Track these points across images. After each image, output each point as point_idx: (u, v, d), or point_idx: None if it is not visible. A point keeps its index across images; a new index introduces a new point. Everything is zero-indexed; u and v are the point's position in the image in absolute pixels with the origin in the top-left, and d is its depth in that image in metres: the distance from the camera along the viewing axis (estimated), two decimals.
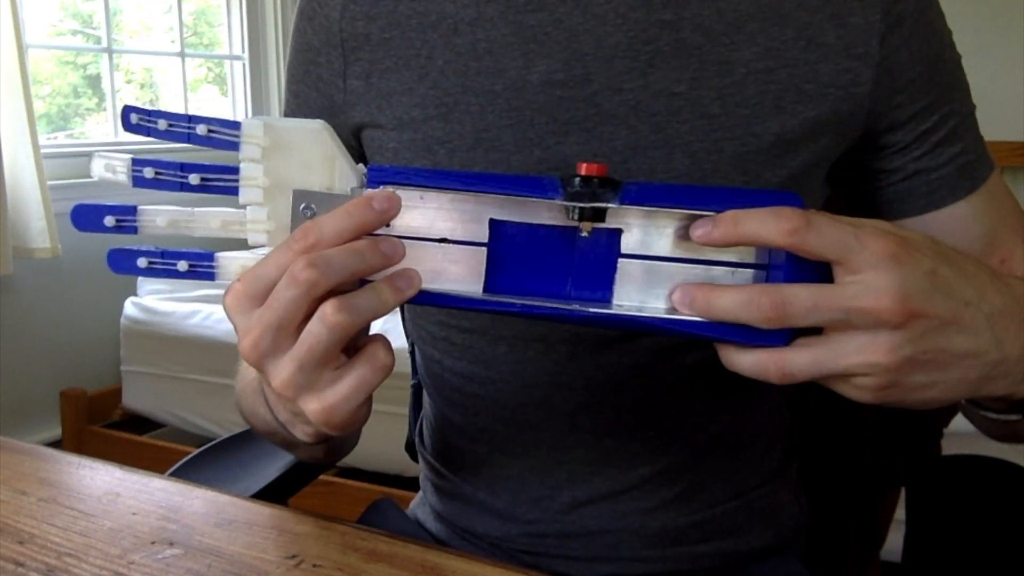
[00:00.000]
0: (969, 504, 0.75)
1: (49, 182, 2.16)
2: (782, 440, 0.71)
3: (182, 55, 2.79)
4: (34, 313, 2.27)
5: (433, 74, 0.59)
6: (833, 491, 0.88)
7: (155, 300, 2.28)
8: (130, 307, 2.29)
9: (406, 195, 0.43)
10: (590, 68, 0.57)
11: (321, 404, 0.43)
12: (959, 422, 0.97)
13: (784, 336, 0.40)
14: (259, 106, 3.04)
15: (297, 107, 0.66)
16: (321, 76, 0.63)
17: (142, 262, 0.44)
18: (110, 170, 0.43)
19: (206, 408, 2.17)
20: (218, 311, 2.14)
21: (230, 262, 0.44)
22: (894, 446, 0.90)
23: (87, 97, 2.64)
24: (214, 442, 0.86)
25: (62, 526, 0.53)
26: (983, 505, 0.75)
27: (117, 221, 0.44)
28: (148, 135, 0.43)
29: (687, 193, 0.42)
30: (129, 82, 2.81)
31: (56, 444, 2.18)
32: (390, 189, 0.42)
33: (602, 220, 0.42)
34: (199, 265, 0.44)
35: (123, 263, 0.44)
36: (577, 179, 0.42)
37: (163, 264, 0.44)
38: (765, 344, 0.40)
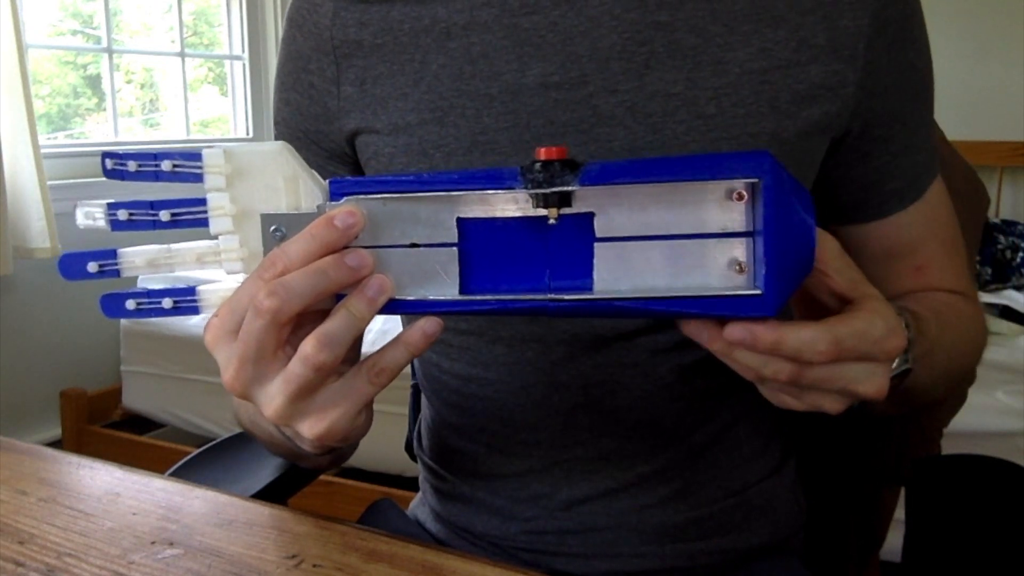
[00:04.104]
0: (969, 504, 0.75)
1: (49, 182, 2.16)
2: (780, 437, 0.71)
3: (182, 55, 2.79)
4: (34, 313, 2.27)
5: (427, 79, 0.59)
6: (832, 490, 0.87)
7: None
8: None
9: (370, 205, 0.42)
10: (586, 70, 0.57)
11: (315, 425, 0.43)
12: (959, 422, 0.97)
13: (772, 307, 0.39)
14: (259, 106, 3.04)
15: (289, 114, 0.66)
16: (313, 83, 0.63)
17: (130, 304, 0.44)
18: (90, 217, 0.44)
19: (206, 408, 2.17)
20: None
21: (211, 294, 0.44)
22: (892, 445, 0.90)
23: (87, 97, 2.64)
24: (214, 442, 0.86)
25: (62, 526, 0.53)
26: (983, 505, 0.75)
27: (100, 266, 0.44)
28: (123, 179, 0.43)
29: (649, 166, 0.40)
30: (129, 82, 2.81)
31: (56, 444, 2.18)
32: (351, 204, 0.42)
33: (569, 205, 0.41)
34: (182, 300, 0.44)
35: (114, 308, 0.45)
36: (536, 165, 0.40)
37: (150, 303, 0.44)
38: (752, 315, 0.40)
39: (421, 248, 0.43)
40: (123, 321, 2.28)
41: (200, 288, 0.44)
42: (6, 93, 2.08)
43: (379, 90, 0.61)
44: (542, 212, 0.41)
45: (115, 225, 0.44)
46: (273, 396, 0.42)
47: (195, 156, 0.43)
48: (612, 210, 0.42)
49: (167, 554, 0.50)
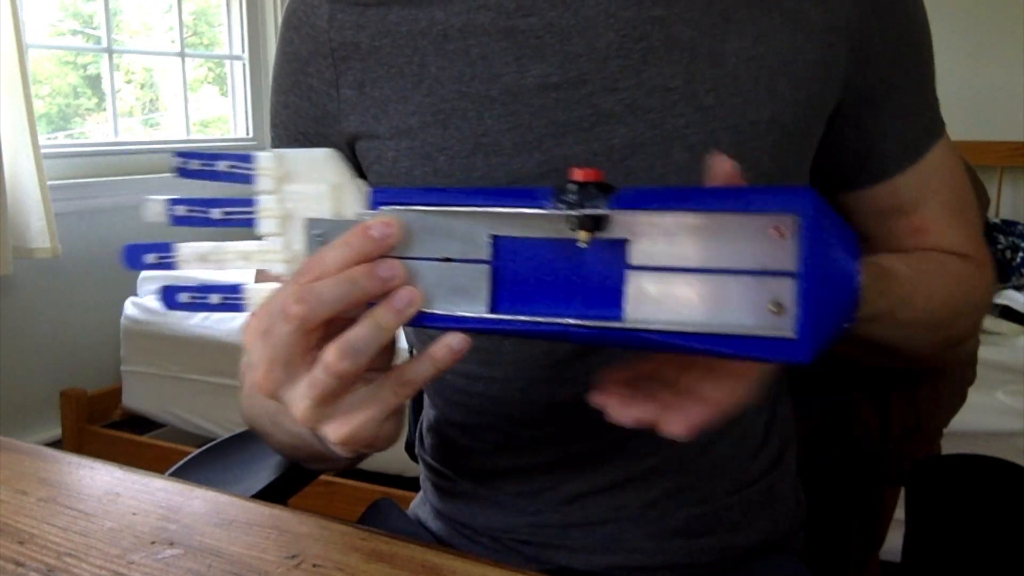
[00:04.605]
0: (968, 504, 0.75)
1: (49, 182, 2.16)
2: (776, 427, 0.71)
3: (182, 55, 2.79)
4: (34, 313, 2.27)
5: (427, 81, 0.59)
6: (832, 490, 0.88)
7: (155, 300, 2.28)
8: (130, 307, 2.29)
9: (408, 216, 0.43)
10: (584, 69, 0.57)
11: (339, 429, 0.44)
12: (959, 422, 0.97)
13: (806, 352, 0.37)
14: (259, 106, 3.04)
15: (288, 117, 0.66)
16: (312, 86, 0.63)
17: (183, 297, 0.46)
18: (155, 212, 0.46)
19: (206, 408, 2.17)
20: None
21: (255, 293, 0.45)
22: (892, 445, 0.90)
23: (87, 97, 2.64)
24: (214, 442, 0.86)
25: (62, 526, 0.53)
26: (982, 505, 0.75)
27: (157, 258, 0.46)
28: (188, 177, 0.45)
29: (684, 194, 0.39)
30: (129, 82, 2.81)
31: (56, 444, 2.18)
32: (390, 214, 0.42)
33: (601, 229, 0.40)
34: (229, 297, 0.46)
35: (170, 300, 0.46)
36: (571, 186, 0.40)
37: (200, 297, 0.46)
38: (786, 359, 0.38)
39: (454, 263, 0.43)
40: (123, 321, 2.29)
41: (246, 287, 0.46)
42: (6, 93, 2.08)
43: (378, 93, 0.61)
44: (575, 235, 0.41)
45: (174, 220, 0.45)
46: (299, 399, 0.43)
47: (248, 158, 0.44)
48: (647, 239, 0.40)
49: (167, 554, 0.50)
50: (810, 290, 0.37)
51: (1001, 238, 2.21)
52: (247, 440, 0.85)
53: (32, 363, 2.27)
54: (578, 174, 0.40)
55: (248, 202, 0.45)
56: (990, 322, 1.74)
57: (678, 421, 0.40)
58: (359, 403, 0.43)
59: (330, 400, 0.42)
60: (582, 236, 0.40)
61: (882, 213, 0.65)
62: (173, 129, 2.85)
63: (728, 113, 0.57)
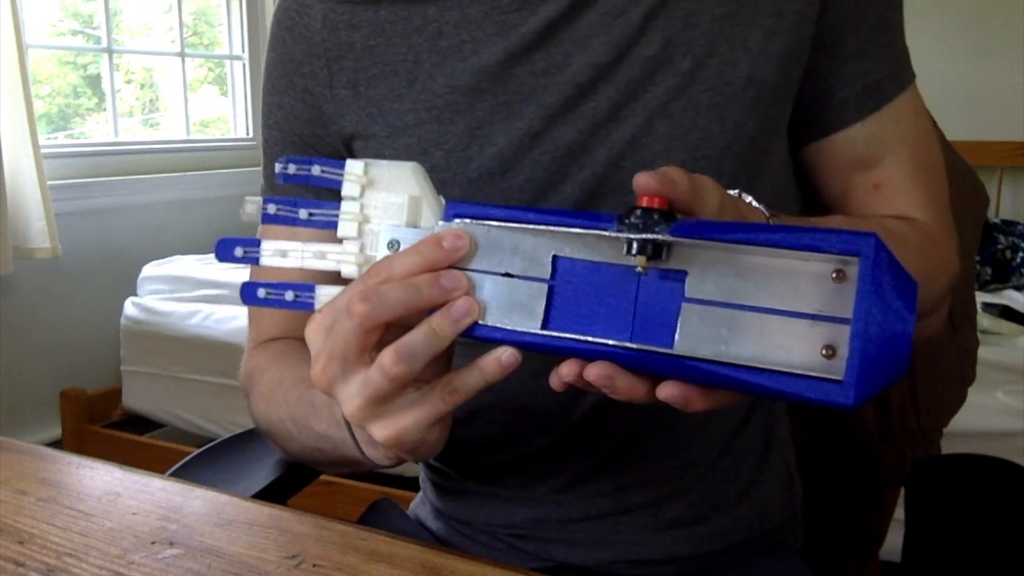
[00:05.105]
0: (968, 504, 0.75)
1: (49, 182, 2.17)
2: (767, 405, 0.71)
3: (182, 55, 2.79)
4: (34, 313, 2.27)
5: (421, 78, 0.60)
6: (832, 489, 0.88)
7: (155, 300, 2.28)
8: (130, 307, 2.29)
9: (478, 230, 0.44)
10: (569, 52, 0.59)
11: (385, 429, 0.44)
12: (959, 422, 0.97)
13: (852, 396, 0.37)
14: (259, 106, 3.03)
15: (283, 118, 0.66)
16: (307, 87, 0.64)
17: (261, 292, 0.48)
18: (251, 211, 0.48)
19: (206, 408, 2.17)
20: (218, 311, 2.14)
21: (326, 295, 0.47)
22: (892, 445, 0.90)
23: (87, 97, 2.64)
24: (214, 442, 0.86)
25: (62, 526, 0.53)
26: (982, 505, 0.75)
27: (244, 252, 0.48)
28: (281, 179, 0.48)
29: (743, 228, 0.39)
30: (129, 82, 2.82)
31: (56, 444, 2.18)
32: (461, 227, 0.44)
33: (660, 257, 0.41)
34: (302, 295, 0.48)
35: (249, 295, 0.49)
36: (636, 211, 0.41)
37: (276, 294, 0.48)
38: (831, 401, 0.37)
39: (514, 279, 0.44)
40: (123, 321, 2.29)
41: (318, 287, 0.47)
42: (6, 93, 2.08)
43: (373, 92, 0.61)
44: (634, 261, 0.41)
45: (265, 218, 0.48)
46: (352, 396, 0.44)
47: (340, 164, 0.47)
48: (706, 272, 0.41)
49: (167, 554, 0.50)
50: (864, 335, 0.37)
51: (1001, 238, 2.21)
52: (247, 440, 0.85)
53: (32, 363, 2.27)
54: (645, 200, 0.41)
55: (332, 205, 0.47)
56: (990, 322, 1.74)
57: (673, 385, 0.41)
58: (408, 406, 0.44)
59: (381, 401, 0.43)
60: (641, 262, 0.41)
61: (842, 168, 0.64)
62: (173, 129, 2.85)
63: (705, 75, 0.57)
